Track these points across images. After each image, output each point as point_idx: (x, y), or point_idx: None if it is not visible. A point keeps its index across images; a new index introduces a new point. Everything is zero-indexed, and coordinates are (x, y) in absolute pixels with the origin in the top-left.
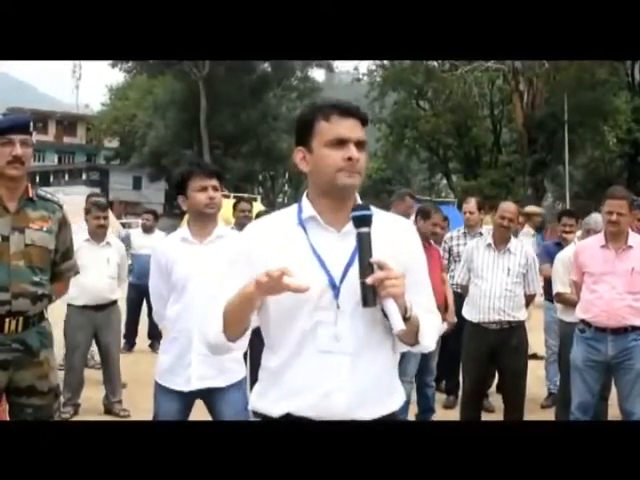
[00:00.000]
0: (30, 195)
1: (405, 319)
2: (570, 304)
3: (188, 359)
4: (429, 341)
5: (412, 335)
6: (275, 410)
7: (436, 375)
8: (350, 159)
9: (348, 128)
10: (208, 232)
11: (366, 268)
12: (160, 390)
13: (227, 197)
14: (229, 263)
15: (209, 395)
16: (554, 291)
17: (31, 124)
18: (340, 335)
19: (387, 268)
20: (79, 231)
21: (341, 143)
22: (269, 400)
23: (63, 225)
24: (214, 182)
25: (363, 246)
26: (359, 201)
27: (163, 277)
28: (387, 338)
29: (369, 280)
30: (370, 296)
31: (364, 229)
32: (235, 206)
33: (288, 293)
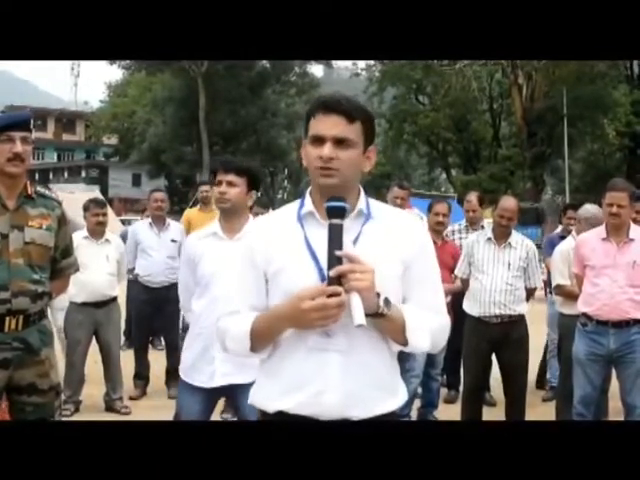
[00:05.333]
0: (29, 192)
1: (378, 315)
2: (570, 296)
3: (211, 355)
4: (419, 341)
5: (397, 333)
6: (270, 406)
7: None
8: (321, 157)
9: (327, 125)
10: (237, 228)
11: (333, 260)
12: (183, 386)
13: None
14: (236, 264)
15: (232, 392)
16: (553, 283)
17: (31, 121)
18: (332, 332)
19: (356, 261)
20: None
21: (319, 140)
22: (265, 396)
23: (62, 222)
24: (229, 177)
25: (333, 238)
26: (363, 196)
27: (190, 270)
28: (383, 336)
29: (332, 272)
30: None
31: (336, 221)
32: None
33: (280, 288)
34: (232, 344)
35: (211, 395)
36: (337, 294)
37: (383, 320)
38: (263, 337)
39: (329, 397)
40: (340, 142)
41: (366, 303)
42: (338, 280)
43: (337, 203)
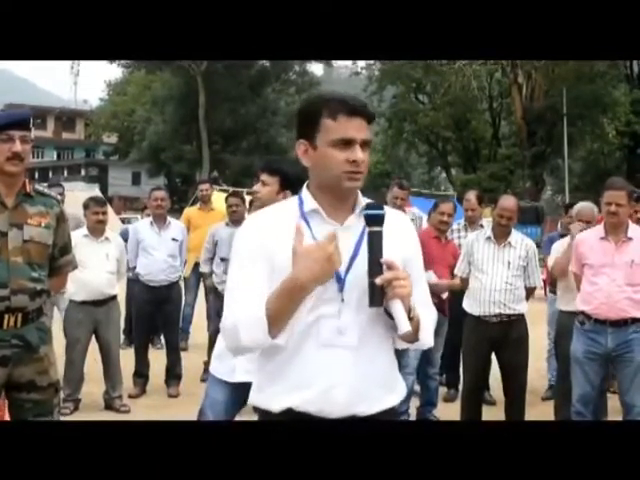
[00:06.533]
0: (28, 191)
1: (409, 319)
2: (564, 267)
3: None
4: (427, 337)
5: (413, 333)
6: (276, 405)
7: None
8: (355, 161)
9: (355, 128)
10: None
11: (375, 267)
12: (211, 376)
13: (225, 192)
14: (237, 260)
15: None
16: (549, 266)
17: (31, 120)
18: (344, 328)
19: (395, 268)
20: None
21: (347, 144)
22: (270, 395)
23: (61, 220)
24: (262, 176)
25: (374, 245)
26: (360, 196)
27: None
28: (388, 332)
29: (378, 280)
30: (378, 296)
31: (376, 228)
32: (225, 201)
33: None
34: (247, 334)
35: (234, 389)
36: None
37: (411, 323)
38: (282, 313)
39: (338, 393)
40: (364, 144)
41: (405, 309)
42: (381, 288)
43: (376, 211)
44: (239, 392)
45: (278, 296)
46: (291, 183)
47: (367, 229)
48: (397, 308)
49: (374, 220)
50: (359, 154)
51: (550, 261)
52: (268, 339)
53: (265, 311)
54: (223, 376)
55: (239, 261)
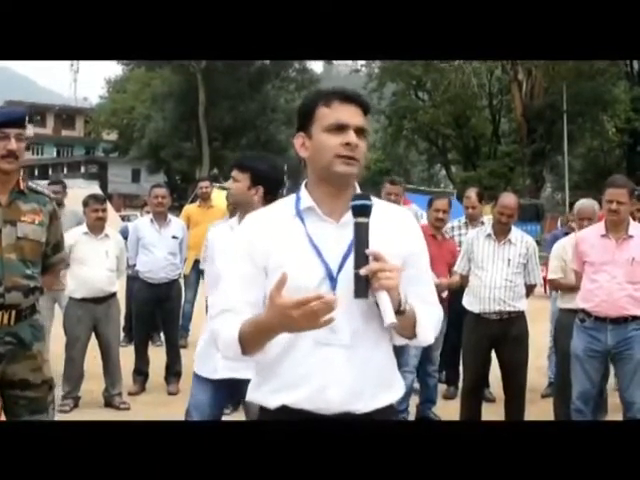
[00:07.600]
0: (21, 188)
1: (399, 312)
2: (563, 288)
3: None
4: (427, 334)
5: (409, 328)
6: (271, 402)
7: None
8: (348, 144)
9: (348, 114)
10: None
11: (361, 259)
12: (194, 375)
13: (225, 189)
14: (231, 259)
15: (239, 386)
16: (548, 278)
17: (26, 118)
18: (337, 327)
19: (382, 260)
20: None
21: (340, 128)
22: (265, 392)
23: (54, 218)
24: (233, 173)
25: (360, 236)
26: (358, 190)
27: (214, 265)
28: (385, 330)
29: (362, 271)
30: (362, 287)
31: (362, 219)
32: (227, 198)
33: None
34: (224, 348)
35: (218, 387)
36: (319, 298)
37: (402, 317)
38: (254, 343)
39: (333, 392)
40: (359, 131)
41: (392, 301)
42: (366, 278)
43: (363, 202)
44: (222, 390)
45: (253, 326)
46: (263, 179)
47: (353, 220)
48: (383, 299)
49: (360, 211)
50: (353, 137)
51: (551, 263)
52: (242, 357)
53: (240, 333)
54: (206, 374)
55: (229, 260)
